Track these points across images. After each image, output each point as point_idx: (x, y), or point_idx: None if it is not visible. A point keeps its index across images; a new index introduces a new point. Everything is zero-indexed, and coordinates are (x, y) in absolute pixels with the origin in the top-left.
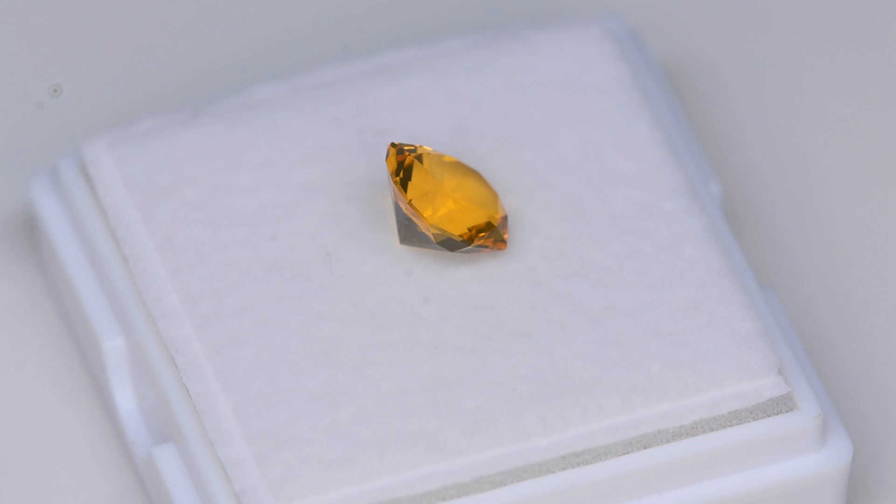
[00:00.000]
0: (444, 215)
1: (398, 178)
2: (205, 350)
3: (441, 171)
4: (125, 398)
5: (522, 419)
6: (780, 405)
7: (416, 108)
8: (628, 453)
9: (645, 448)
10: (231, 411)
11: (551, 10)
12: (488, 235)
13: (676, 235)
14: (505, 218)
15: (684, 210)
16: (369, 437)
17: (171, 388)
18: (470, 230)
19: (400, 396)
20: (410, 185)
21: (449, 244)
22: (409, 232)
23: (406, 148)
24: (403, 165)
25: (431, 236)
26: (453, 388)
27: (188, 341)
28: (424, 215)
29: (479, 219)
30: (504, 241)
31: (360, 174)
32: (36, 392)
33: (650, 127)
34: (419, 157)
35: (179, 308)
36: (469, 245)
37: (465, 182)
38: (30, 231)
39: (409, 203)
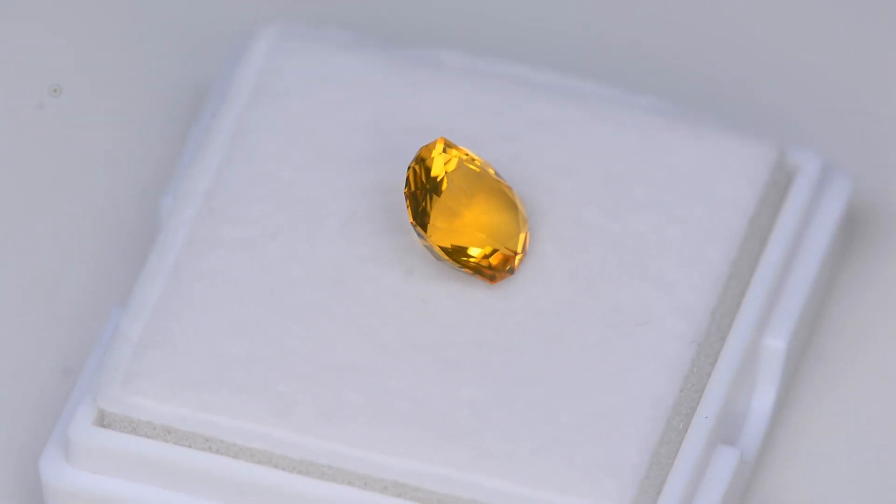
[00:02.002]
0: (445, 233)
1: (409, 191)
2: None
3: (471, 187)
4: None
5: (371, 429)
6: None
7: (534, 134)
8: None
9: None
10: (162, 301)
11: (757, 117)
12: (480, 267)
13: (650, 349)
14: (515, 251)
15: (677, 334)
16: (243, 382)
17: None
18: (464, 257)
19: (303, 361)
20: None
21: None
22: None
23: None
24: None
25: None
26: (347, 376)
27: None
28: (424, 233)
29: (477, 244)
30: (495, 277)
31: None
32: None
33: (720, 256)
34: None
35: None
36: (460, 268)
37: (486, 206)
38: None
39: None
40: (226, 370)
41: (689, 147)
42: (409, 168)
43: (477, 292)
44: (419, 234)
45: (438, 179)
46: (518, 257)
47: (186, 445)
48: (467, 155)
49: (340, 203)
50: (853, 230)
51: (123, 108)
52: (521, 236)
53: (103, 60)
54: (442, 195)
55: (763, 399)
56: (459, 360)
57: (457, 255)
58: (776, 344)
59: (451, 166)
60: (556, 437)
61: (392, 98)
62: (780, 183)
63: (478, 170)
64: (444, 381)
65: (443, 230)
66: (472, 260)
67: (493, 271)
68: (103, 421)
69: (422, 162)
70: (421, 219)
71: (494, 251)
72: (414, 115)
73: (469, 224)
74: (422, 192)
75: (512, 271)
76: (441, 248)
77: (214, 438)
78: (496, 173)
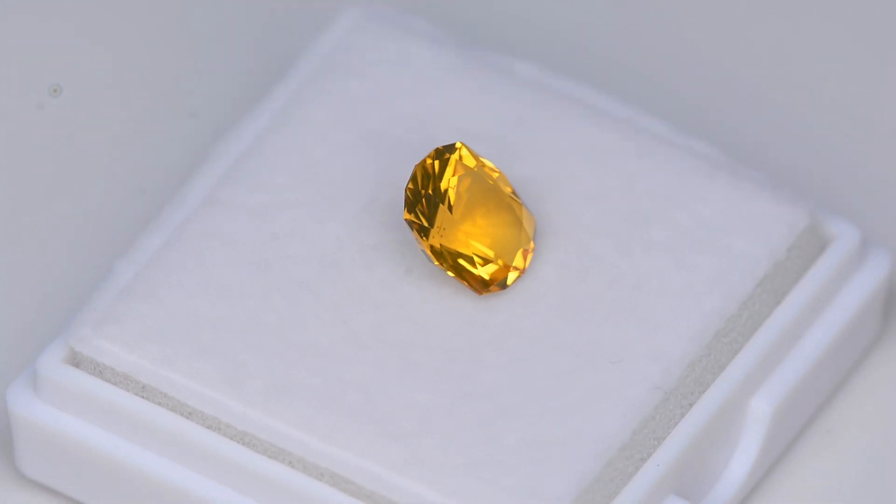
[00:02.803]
0: (437, 236)
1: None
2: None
3: (476, 196)
4: None
5: (316, 413)
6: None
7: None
8: None
9: None
10: (160, 253)
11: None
12: (467, 275)
13: (613, 387)
14: (509, 267)
15: (645, 377)
16: (207, 345)
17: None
18: (452, 262)
19: (271, 335)
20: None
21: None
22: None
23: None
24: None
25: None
26: (310, 357)
27: None
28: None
29: (468, 251)
30: (484, 288)
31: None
32: None
33: (716, 309)
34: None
35: None
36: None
37: (488, 218)
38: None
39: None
40: (195, 330)
41: (721, 198)
42: (418, 165)
43: (464, 301)
44: (412, 231)
45: (443, 186)
46: (514, 274)
47: (143, 397)
48: (483, 164)
49: (363, 190)
50: (892, 309)
51: (123, 107)
52: (518, 254)
53: (103, 60)
54: (444, 199)
55: (741, 461)
56: (423, 362)
57: (444, 258)
58: (762, 407)
59: (460, 171)
60: (492, 456)
61: (449, 97)
62: (809, 250)
63: (490, 182)
64: (402, 380)
65: (436, 232)
66: (463, 267)
67: (479, 282)
68: (74, 360)
69: (432, 161)
70: (417, 217)
71: (487, 262)
72: (464, 118)
73: (465, 232)
74: (424, 192)
75: (504, 286)
76: (431, 249)
77: (169, 395)
78: (513, 191)
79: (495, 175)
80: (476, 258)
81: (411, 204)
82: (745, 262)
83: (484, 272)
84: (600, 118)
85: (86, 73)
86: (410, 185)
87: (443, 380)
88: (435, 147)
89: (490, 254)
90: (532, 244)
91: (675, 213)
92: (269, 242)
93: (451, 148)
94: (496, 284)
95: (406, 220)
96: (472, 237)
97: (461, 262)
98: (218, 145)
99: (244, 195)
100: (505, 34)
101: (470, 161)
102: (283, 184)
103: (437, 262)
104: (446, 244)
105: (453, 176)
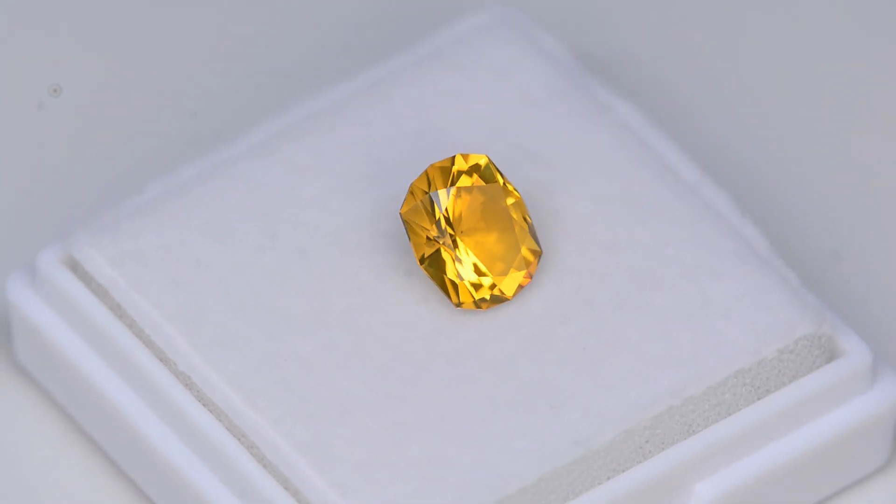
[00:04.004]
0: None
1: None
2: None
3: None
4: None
5: (251, 375)
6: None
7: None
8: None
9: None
10: (189, 183)
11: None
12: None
13: (537, 430)
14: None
15: (571, 430)
16: (182, 281)
17: None
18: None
19: (244, 291)
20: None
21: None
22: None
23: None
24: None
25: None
26: (272, 323)
27: None
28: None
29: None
30: (460, 305)
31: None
32: None
33: (675, 388)
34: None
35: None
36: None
37: (477, 238)
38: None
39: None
40: (178, 265)
41: (736, 283)
42: (433, 166)
43: (441, 309)
44: (406, 228)
45: (448, 192)
46: (495, 296)
47: (114, 314)
48: (505, 184)
49: (401, 179)
50: None
51: (123, 107)
52: (506, 279)
53: (103, 60)
54: (443, 206)
55: None
56: (374, 356)
57: (428, 263)
58: (706, 493)
59: (467, 182)
60: (394, 462)
61: (529, 114)
62: (808, 357)
63: (501, 203)
64: (344, 366)
65: (428, 236)
66: (444, 276)
67: (455, 295)
68: (70, 262)
69: (447, 167)
70: (413, 214)
71: (473, 278)
72: (532, 137)
73: (457, 243)
74: (428, 193)
75: (478, 306)
76: (417, 251)
77: (133, 320)
78: (527, 218)
79: (511, 200)
80: (460, 270)
81: (411, 201)
82: (726, 350)
83: (464, 287)
84: (666, 174)
85: (86, 73)
86: (417, 183)
87: (383, 377)
88: (463, 153)
89: (472, 274)
90: (527, 273)
91: (686, 285)
92: (289, 204)
93: (475, 159)
94: (473, 302)
95: (401, 214)
96: (462, 251)
97: (446, 272)
98: (295, 104)
99: (289, 154)
100: (629, 70)
101: (490, 176)
102: (330, 155)
103: (419, 264)
104: (428, 253)
105: (461, 186)
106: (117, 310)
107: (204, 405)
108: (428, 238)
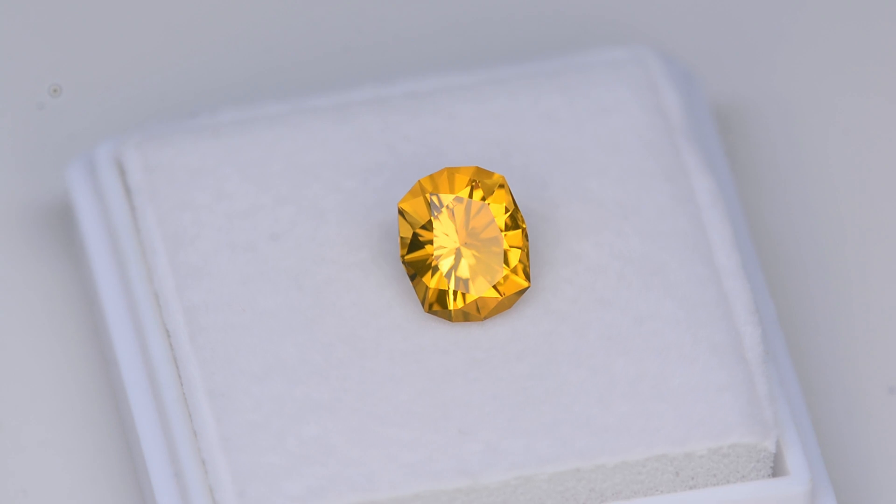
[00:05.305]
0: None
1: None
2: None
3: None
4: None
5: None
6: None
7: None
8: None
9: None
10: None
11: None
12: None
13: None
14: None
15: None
16: (199, 221)
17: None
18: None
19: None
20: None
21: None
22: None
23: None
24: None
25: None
26: (264, 287)
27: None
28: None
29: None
30: (433, 312)
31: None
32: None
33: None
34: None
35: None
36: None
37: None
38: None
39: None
40: (198, 192)
41: (702, 374)
42: (448, 168)
43: (413, 311)
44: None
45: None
46: (456, 308)
47: (129, 217)
48: (514, 211)
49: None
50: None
51: (123, 108)
52: (475, 298)
53: (103, 60)
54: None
55: None
56: (323, 331)
57: (408, 262)
58: None
59: (462, 188)
60: (276, 426)
61: (603, 158)
62: (743, 465)
63: (490, 221)
64: (296, 335)
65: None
66: (423, 280)
67: (422, 296)
68: (120, 157)
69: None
70: (409, 211)
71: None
72: (593, 178)
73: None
74: (431, 195)
75: (448, 317)
76: (403, 244)
77: (139, 228)
78: (524, 247)
79: (502, 217)
80: (438, 276)
81: (413, 195)
82: (654, 432)
83: (435, 293)
84: (700, 250)
85: (86, 73)
86: (425, 181)
87: (323, 353)
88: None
89: (449, 283)
90: (504, 298)
91: (651, 361)
92: (335, 169)
93: (492, 176)
94: (442, 311)
95: (399, 207)
96: (445, 258)
97: (424, 275)
98: (411, 75)
99: (361, 124)
100: (756, 128)
101: (499, 197)
102: (397, 136)
103: (401, 258)
104: (415, 258)
105: (462, 196)
106: (131, 214)
107: (162, 328)
108: (416, 235)
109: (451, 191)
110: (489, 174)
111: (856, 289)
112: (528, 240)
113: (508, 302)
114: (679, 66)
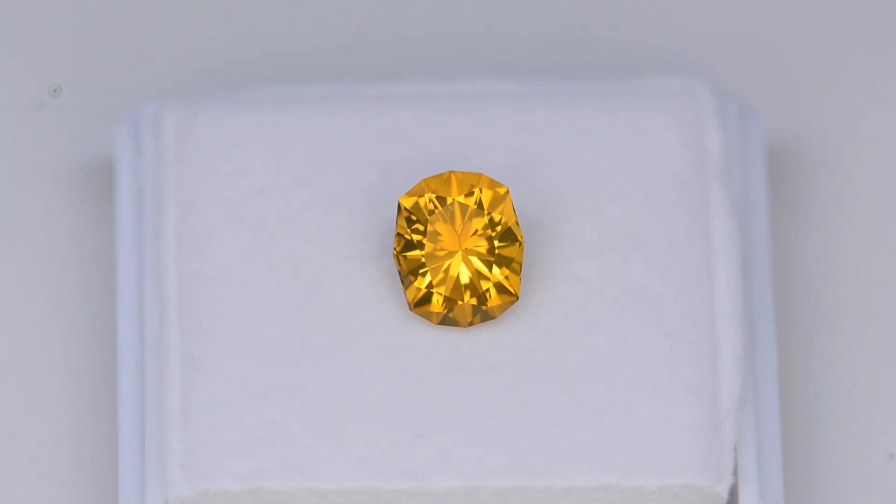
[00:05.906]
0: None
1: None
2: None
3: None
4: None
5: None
6: None
7: None
8: None
9: None
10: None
11: None
12: (428, 309)
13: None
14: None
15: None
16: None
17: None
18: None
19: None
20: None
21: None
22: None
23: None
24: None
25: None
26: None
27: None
28: (396, 249)
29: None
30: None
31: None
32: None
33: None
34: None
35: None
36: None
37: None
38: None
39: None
40: (221, 163)
41: (669, 411)
42: (457, 172)
43: (396, 312)
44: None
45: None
46: (437, 311)
47: (153, 177)
48: (514, 223)
49: None
50: None
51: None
52: (457, 304)
53: (103, 60)
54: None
55: None
56: (309, 317)
57: (399, 260)
58: None
59: (461, 194)
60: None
61: (630, 186)
62: None
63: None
64: (281, 320)
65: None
66: (411, 278)
67: (412, 300)
68: (160, 119)
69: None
70: (409, 207)
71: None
72: (615, 205)
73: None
74: (432, 195)
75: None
76: (398, 241)
77: (160, 189)
78: (516, 259)
79: (489, 224)
80: (425, 276)
81: (415, 193)
82: (607, 460)
83: (421, 291)
84: (704, 292)
85: (86, 73)
86: (429, 180)
87: (303, 339)
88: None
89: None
90: (486, 308)
91: (623, 392)
92: (366, 158)
93: (496, 185)
94: (424, 311)
95: (398, 203)
96: (433, 259)
97: (410, 272)
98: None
99: (400, 119)
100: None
101: (500, 208)
102: (433, 135)
103: (394, 253)
104: (411, 258)
105: (459, 201)
106: (157, 174)
107: (158, 292)
108: (411, 234)
109: (453, 194)
110: (495, 183)
111: (869, 352)
112: (523, 253)
113: (494, 312)
114: (734, 102)
